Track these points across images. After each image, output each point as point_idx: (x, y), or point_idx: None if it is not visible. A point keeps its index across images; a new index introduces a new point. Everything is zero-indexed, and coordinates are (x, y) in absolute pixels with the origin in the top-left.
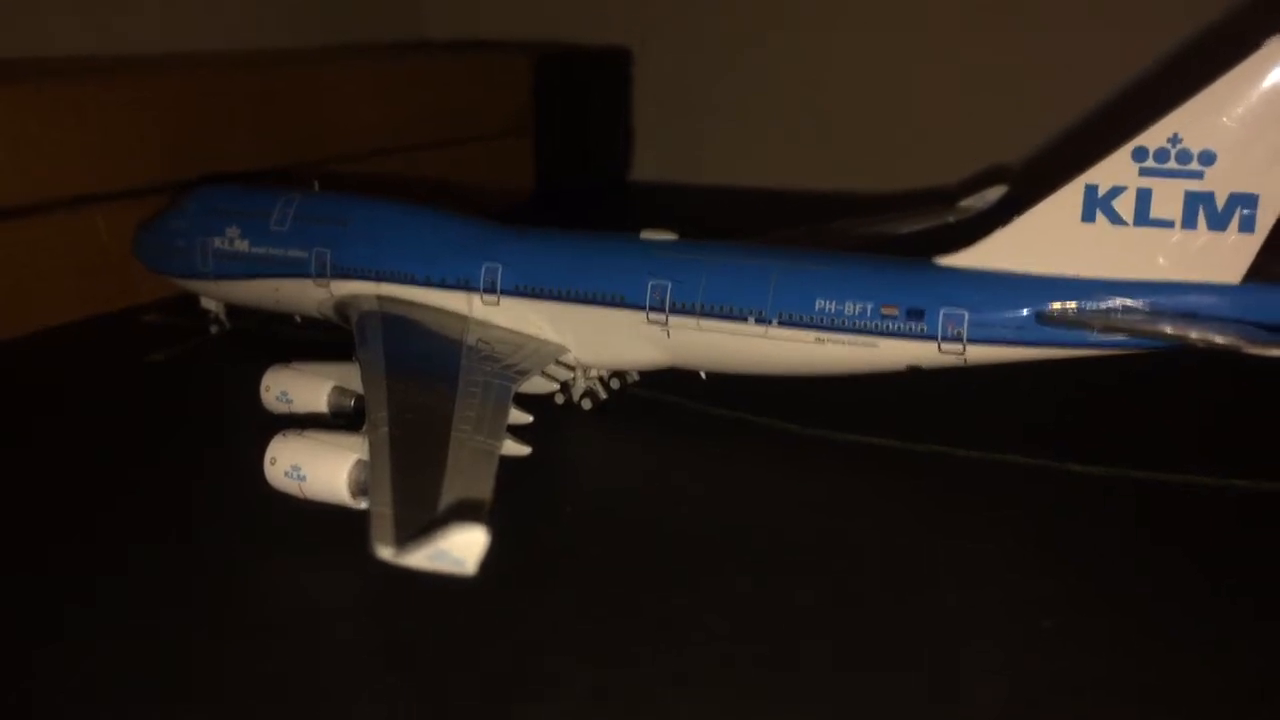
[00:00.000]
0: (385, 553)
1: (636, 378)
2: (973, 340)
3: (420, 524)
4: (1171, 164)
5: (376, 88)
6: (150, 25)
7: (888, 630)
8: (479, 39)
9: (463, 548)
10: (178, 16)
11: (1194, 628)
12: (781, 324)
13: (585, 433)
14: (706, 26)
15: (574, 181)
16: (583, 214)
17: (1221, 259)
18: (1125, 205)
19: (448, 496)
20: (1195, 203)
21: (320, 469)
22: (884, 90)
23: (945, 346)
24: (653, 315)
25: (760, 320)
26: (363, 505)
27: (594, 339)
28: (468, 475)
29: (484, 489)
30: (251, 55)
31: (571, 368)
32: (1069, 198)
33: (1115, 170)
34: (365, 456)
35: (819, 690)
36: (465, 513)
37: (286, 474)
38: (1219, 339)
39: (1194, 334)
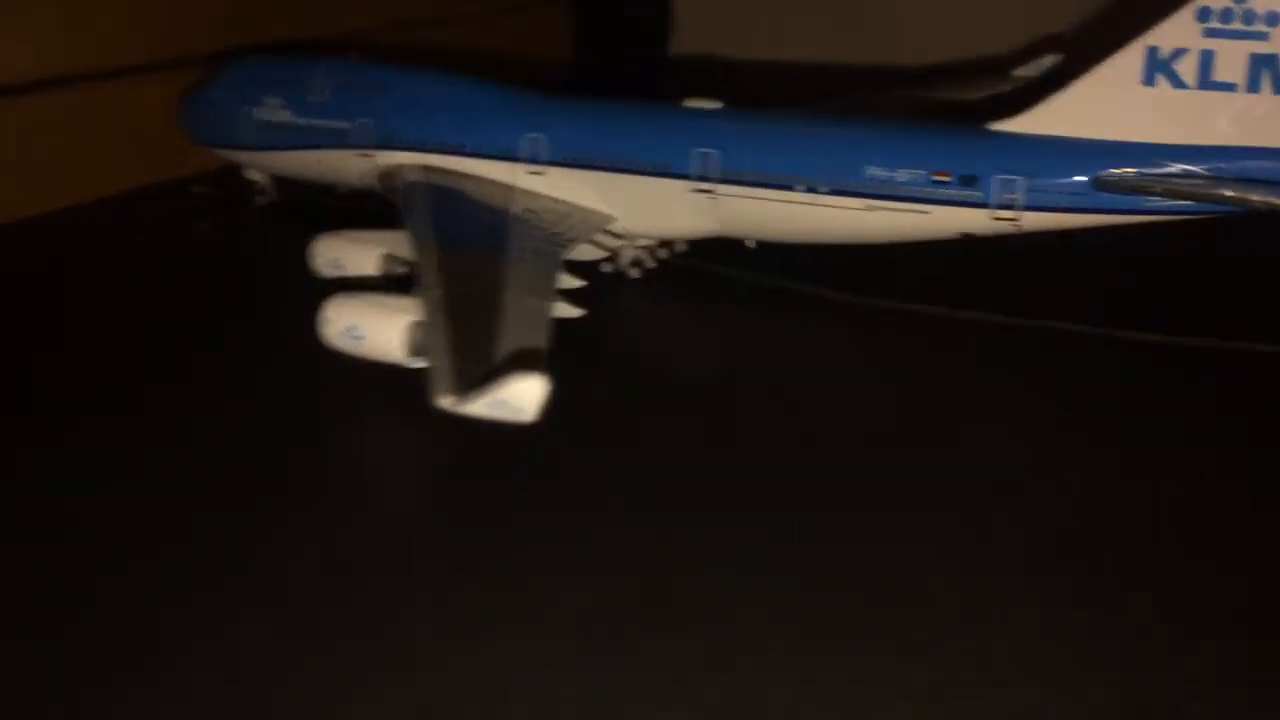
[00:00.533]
0: (445, 401)
1: (684, 247)
2: (1028, 207)
3: (479, 375)
4: (1236, 24)
5: None
6: None
7: (921, 479)
8: None
9: (522, 396)
10: None
11: (1249, 492)
12: (831, 191)
13: (632, 301)
14: None
15: (614, 54)
16: (623, 88)
17: None
18: (1188, 68)
19: (504, 349)
20: (1260, 65)
21: (377, 329)
22: None
23: (999, 214)
24: (699, 184)
25: (809, 188)
26: (419, 365)
27: (640, 208)
28: (523, 331)
29: (539, 341)
30: None
31: (619, 236)
32: (1129, 60)
33: (1178, 32)
34: (420, 318)
35: (856, 534)
36: (523, 363)
37: (343, 334)
38: None
39: (1255, 197)
